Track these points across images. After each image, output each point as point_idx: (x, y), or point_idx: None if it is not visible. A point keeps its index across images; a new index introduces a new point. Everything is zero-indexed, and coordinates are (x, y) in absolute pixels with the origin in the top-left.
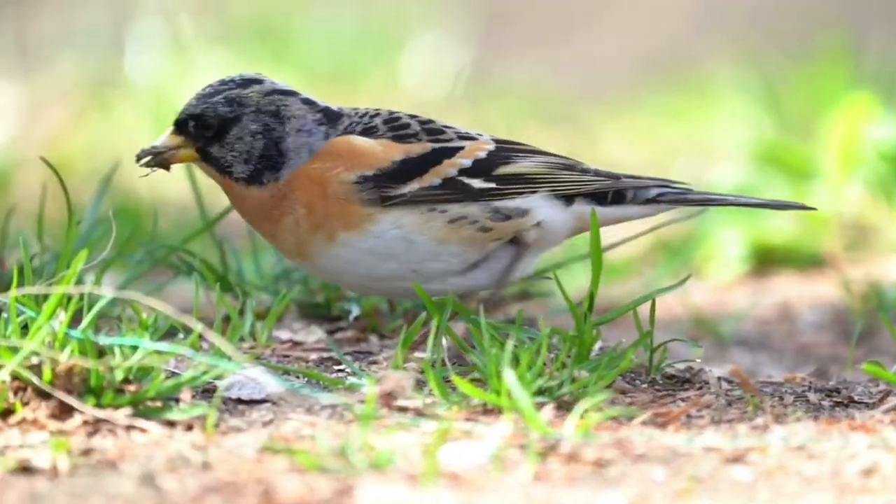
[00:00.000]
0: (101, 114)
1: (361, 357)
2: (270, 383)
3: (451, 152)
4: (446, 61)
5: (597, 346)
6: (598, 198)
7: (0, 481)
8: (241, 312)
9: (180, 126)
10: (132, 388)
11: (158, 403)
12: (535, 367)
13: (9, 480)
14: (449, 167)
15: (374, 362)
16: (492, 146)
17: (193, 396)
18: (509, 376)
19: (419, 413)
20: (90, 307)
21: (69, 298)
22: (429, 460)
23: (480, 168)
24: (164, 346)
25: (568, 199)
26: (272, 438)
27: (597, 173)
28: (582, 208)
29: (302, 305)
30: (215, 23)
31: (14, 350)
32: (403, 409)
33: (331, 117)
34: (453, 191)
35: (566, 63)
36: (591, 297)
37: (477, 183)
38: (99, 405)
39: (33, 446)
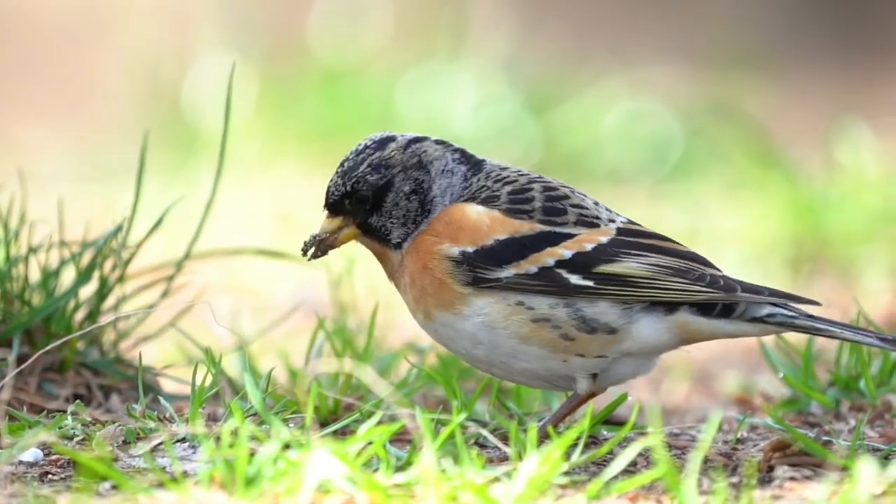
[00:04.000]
0: None
1: None
2: None
3: (557, 239)
4: None
5: None
6: (706, 308)
7: None
8: None
9: (335, 207)
10: None
11: None
12: None
13: None
14: (548, 256)
15: None
16: (607, 237)
17: None
18: None
19: None
20: None
21: None
22: None
23: (580, 262)
24: None
25: (670, 307)
26: None
27: (713, 281)
28: (684, 318)
29: None
30: None
31: None
32: None
33: (471, 160)
34: (547, 282)
35: None
36: None
37: (574, 278)
38: None
39: None
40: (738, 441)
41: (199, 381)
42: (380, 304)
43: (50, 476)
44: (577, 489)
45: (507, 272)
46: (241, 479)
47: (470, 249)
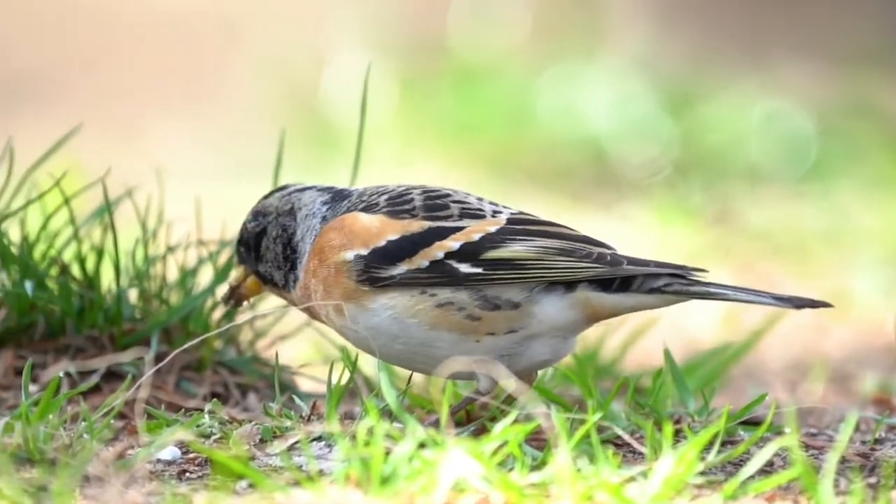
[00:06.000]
0: None
1: None
2: None
3: (445, 233)
4: None
5: None
6: (604, 284)
7: None
8: None
9: (238, 257)
10: None
11: None
12: None
13: None
14: (437, 249)
15: None
16: (496, 226)
17: None
18: None
19: None
20: None
21: None
22: None
23: (468, 251)
24: None
25: (569, 285)
26: None
27: (600, 258)
28: (584, 294)
29: None
30: None
31: None
32: None
33: (337, 197)
34: (439, 274)
35: None
36: None
37: (464, 267)
38: None
39: None
40: (877, 441)
41: (334, 380)
42: None
43: (187, 474)
44: (712, 489)
45: (400, 269)
46: (376, 477)
47: (364, 252)
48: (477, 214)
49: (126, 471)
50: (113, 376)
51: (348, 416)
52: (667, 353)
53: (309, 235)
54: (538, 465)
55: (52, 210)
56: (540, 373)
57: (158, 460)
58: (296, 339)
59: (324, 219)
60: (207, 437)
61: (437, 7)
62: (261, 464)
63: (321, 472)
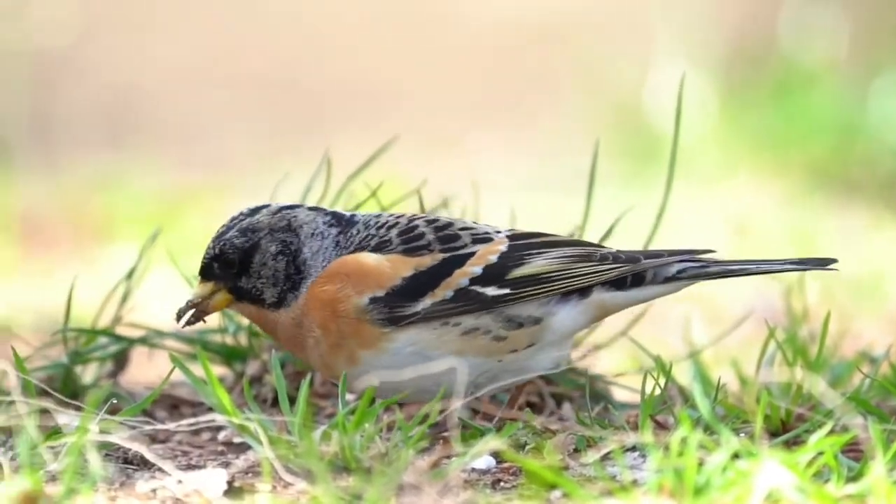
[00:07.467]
0: None
1: None
2: None
3: (462, 260)
4: None
5: None
6: (617, 283)
7: None
8: None
9: (205, 271)
10: None
11: None
12: None
13: None
14: (460, 277)
15: None
16: (504, 246)
17: None
18: None
19: None
20: None
21: None
22: None
23: (492, 274)
24: None
25: (584, 290)
26: None
27: (616, 258)
28: (599, 297)
29: None
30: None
31: None
32: None
33: (342, 220)
34: (466, 302)
35: None
36: None
37: (490, 290)
38: None
39: None
40: None
41: (648, 390)
42: (831, 313)
43: (501, 483)
44: None
45: (424, 303)
46: (689, 488)
47: (380, 293)
48: (485, 238)
49: (441, 480)
50: None
51: (663, 426)
52: None
53: (319, 256)
54: (854, 477)
55: None
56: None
57: (473, 469)
58: (611, 348)
59: (337, 243)
60: (521, 446)
61: (761, 17)
62: (574, 473)
63: (634, 482)
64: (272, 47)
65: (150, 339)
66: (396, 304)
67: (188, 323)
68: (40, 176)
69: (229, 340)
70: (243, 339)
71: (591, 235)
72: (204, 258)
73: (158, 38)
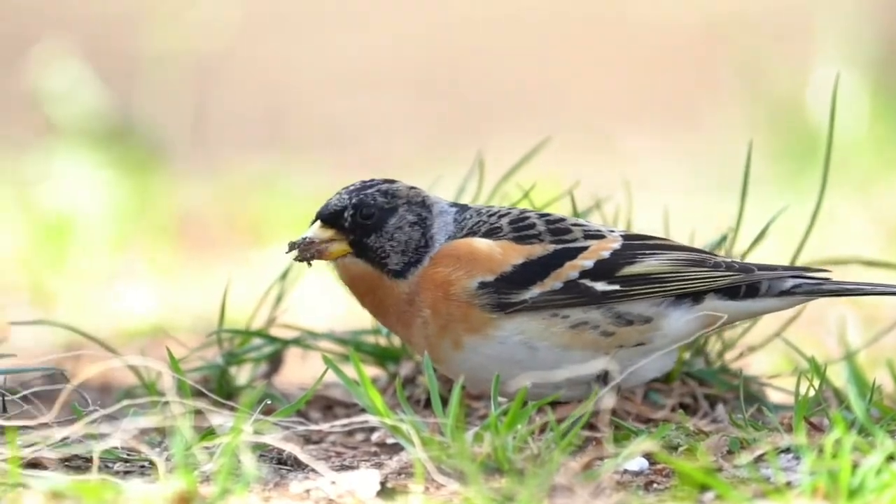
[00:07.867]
0: None
1: None
2: None
3: (574, 253)
4: None
5: None
6: (731, 292)
7: None
8: None
9: (330, 218)
10: None
11: None
12: None
13: None
14: (570, 269)
15: None
16: (618, 244)
17: None
18: None
19: None
20: None
21: None
22: None
23: (603, 269)
24: None
25: (697, 296)
26: None
27: (729, 266)
28: (713, 304)
29: None
30: None
31: None
32: None
33: (457, 205)
34: (575, 294)
35: None
36: None
37: (600, 285)
38: None
39: None
40: None
41: (803, 392)
42: None
43: (654, 485)
44: None
45: (532, 292)
46: (843, 490)
47: (490, 278)
48: (598, 235)
49: (593, 481)
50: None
51: (817, 428)
52: None
53: (442, 233)
54: None
55: None
56: None
57: (625, 471)
58: (765, 349)
59: (455, 221)
60: (674, 448)
61: None
62: (727, 475)
63: (788, 484)
64: (432, 49)
65: (304, 341)
66: (505, 291)
67: (297, 259)
68: (199, 178)
69: (382, 341)
70: (396, 341)
71: (745, 238)
72: (333, 205)
73: (317, 39)
